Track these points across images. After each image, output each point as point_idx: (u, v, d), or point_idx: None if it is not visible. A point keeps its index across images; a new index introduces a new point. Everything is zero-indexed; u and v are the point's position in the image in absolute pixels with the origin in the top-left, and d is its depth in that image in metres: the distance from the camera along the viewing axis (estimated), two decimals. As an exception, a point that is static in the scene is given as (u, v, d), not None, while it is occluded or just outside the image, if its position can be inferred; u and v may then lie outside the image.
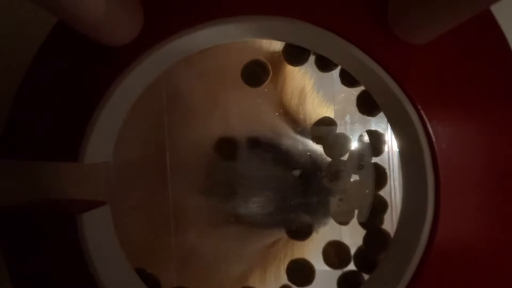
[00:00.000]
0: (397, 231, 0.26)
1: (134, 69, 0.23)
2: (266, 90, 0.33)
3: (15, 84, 0.24)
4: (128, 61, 0.23)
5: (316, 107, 0.34)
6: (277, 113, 0.34)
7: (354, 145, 0.31)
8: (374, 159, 0.31)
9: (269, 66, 0.31)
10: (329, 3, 0.22)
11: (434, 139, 0.22)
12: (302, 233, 0.31)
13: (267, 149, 0.32)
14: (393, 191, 0.31)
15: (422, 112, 0.22)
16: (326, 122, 0.32)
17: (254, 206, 0.32)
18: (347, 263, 0.30)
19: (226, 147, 0.32)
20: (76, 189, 0.25)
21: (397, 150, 0.28)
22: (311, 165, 0.32)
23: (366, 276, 0.29)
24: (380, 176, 0.30)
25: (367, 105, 0.30)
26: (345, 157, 0.31)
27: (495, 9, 0.22)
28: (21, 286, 0.24)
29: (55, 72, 0.24)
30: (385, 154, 0.31)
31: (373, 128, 0.31)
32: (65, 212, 0.24)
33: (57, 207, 0.24)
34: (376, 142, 0.31)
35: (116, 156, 0.27)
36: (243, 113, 0.33)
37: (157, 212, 0.32)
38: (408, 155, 0.24)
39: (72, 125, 0.23)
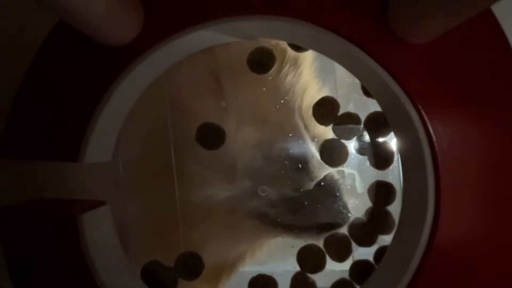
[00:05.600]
0: (398, 231, 0.26)
1: (134, 69, 0.23)
2: (270, 78, 0.33)
3: (15, 84, 0.24)
4: (128, 61, 0.23)
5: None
6: (282, 101, 0.33)
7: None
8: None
9: (275, 52, 0.31)
10: (330, 3, 0.22)
11: (434, 139, 0.22)
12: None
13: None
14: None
15: (422, 111, 0.22)
16: (328, 101, 0.32)
17: (262, 195, 0.32)
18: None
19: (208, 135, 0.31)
20: (76, 189, 0.25)
21: (398, 149, 0.28)
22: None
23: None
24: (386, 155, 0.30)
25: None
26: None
27: (495, 9, 0.22)
28: (21, 285, 0.24)
29: (55, 72, 0.24)
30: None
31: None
32: (65, 212, 0.24)
33: (57, 207, 0.24)
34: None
35: (121, 155, 0.27)
36: (248, 107, 0.33)
37: (164, 208, 0.32)
38: (408, 155, 0.24)
39: (72, 125, 0.23)
